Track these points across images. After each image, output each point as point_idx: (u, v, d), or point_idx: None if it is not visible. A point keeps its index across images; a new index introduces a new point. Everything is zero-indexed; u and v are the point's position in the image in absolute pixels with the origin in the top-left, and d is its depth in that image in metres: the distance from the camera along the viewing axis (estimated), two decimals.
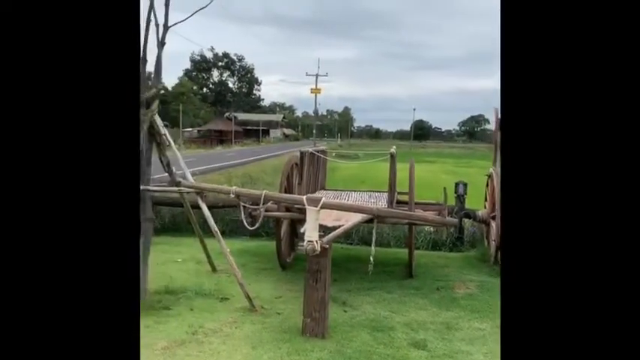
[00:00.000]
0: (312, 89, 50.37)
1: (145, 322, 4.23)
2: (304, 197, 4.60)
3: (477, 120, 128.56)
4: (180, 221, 8.68)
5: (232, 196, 4.93)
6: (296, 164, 6.71)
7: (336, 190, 8.54)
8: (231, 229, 8.46)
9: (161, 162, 5.01)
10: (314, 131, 57.81)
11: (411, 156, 9.44)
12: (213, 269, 6.09)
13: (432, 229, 8.24)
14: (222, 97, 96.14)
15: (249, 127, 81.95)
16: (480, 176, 10.80)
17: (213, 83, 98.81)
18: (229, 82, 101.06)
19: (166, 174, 5.11)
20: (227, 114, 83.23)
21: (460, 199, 8.35)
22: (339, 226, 4.97)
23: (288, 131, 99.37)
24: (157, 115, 4.75)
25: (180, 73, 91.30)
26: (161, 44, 4.68)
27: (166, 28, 4.66)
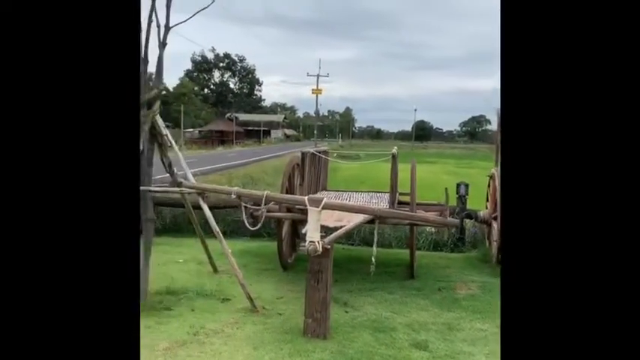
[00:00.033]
0: (313, 90, 50.42)
1: (146, 323, 4.23)
2: (306, 198, 4.59)
3: (478, 120, 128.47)
4: (181, 222, 8.67)
5: (234, 196, 4.92)
6: (297, 165, 6.70)
7: (337, 190, 8.53)
8: (233, 230, 8.46)
9: (162, 162, 5.01)
10: (315, 132, 57.74)
11: (413, 156, 9.44)
12: (215, 270, 6.08)
13: (433, 229, 8.22)
14: (224, 98, 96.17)
15: (250, 128, 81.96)
16: (481, 177, 10.80)
17: (215, 84, 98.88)
18: (230, 83, 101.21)
19: (168, 174, 5.11)
20: (228, 115, 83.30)
21: (461, 199, 8.34)
22: (341, 227, 4.97)
23: (289, 132, 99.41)
24: (158, 115, 4.75)
25: (182, 74, 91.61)
26: (162, 45, 4.68)
27: (168, 28, 4.67)
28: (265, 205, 4.91)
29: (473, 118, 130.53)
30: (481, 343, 4.27)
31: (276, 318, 4.67)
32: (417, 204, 6.12)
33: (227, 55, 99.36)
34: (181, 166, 5.21)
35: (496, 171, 7.38)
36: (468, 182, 8.71)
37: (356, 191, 8.35)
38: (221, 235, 4.93)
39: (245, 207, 5.06)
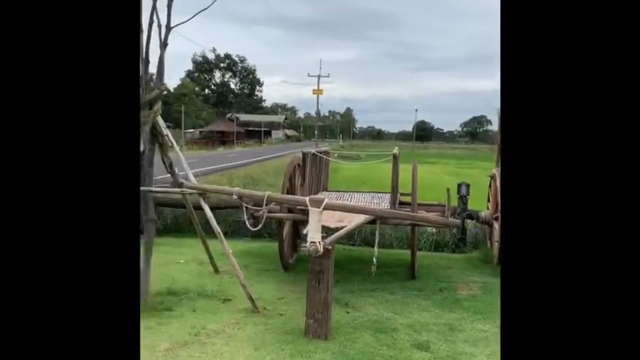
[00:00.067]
0: (314, 90, 50.40)
1: (147, 324, 4.23)
2: (307, 198, 4.59)
3: (479, 121, 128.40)
4: (182, 222, 8.68)
5: (235, 197, 4.92)
6: (298, 165, 6.70)
7: (338, 191, 8.53)
8: (234, 230, 8.47)
9: (164, 163, 5.01)
10: (316, 132, 57.74)
11: (414, 157, 9.44)
12: (216, 270, 6.08)
13: (434, 230, 8.22)
14: (224, 98, 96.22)
15: (251, 128, 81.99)
16: (482, 177, 10.79)
17: (215, 84, 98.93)
18: (231, 83, 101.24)
19: (169, 175, 5.11)
20: (229, 115, 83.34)
21: (463, 200, 8.34)
22: (342, 227, 4.97)
23: (290, 132, 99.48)
24: (159, 116, 4.75)
25: (183, 75, 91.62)
26: (163, 45, 4.68)
27: (169, 29, 4.67)
28: (266, 205, 4.91)
29: (474, 119, 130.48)
30: (482, 343, 4.27)
31: (277, 318, 4.66)
32: (418, 204, 6.11)
33: (228, 56, 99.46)
34: (182, 167, 5.21)
35: (497, 171, 7.38)
36: (469, 183, 8.71)
37: (357, 192, 8.35)
38: (222, 235, 4.92)
39: (246, 207, 5.06)
